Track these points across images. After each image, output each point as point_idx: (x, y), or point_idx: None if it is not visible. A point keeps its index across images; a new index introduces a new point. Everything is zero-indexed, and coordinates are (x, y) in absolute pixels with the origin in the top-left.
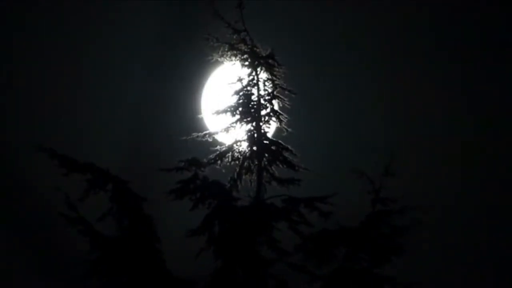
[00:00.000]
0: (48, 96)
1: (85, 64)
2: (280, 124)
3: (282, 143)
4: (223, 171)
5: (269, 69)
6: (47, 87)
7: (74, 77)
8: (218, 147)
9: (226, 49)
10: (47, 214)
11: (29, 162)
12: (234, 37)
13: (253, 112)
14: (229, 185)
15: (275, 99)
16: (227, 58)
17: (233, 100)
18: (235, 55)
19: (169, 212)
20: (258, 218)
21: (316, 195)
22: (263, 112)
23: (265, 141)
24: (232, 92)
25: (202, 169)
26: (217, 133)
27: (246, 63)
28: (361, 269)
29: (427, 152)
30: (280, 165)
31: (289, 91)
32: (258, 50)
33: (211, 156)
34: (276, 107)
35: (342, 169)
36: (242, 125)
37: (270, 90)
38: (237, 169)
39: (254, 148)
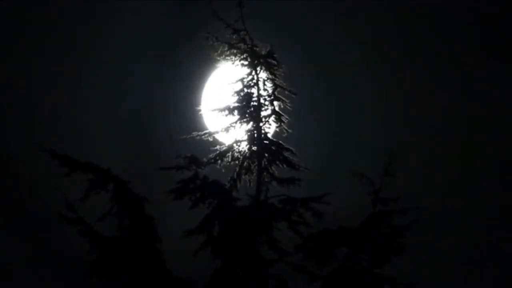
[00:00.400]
0: (48, 96)
1: (85, 64)
2: (281, 125)
3: (282, 143)
4: (223, 171)
5: (269, 68)
6: (47, 87)
7: (74, 77)
8: (218, 146)
9: (226, 49)
10: (47, 214)
11: (29, 162)
12: (234, 36)
13: (253, 112)
14: (229, 185)
15: (275, 99)
16: (227, 58)
17: (233, 100)
18: (235, 55)
19: (169, 212)
20: (258, 218)
21: (315, 195)
22: (263, 113)
23: (265, 141)
24: (232, 92)
25: (202, 168)
26: (217, 132)
27: (246, 62)
28: (361, 269)
29: (427, 152)
30: (280, 165)
31: (289, 91)
32: (257, 49)
33: (211, 155)
34: (276, 108)
35: (342, 169)
36: (242, 124)
37: (270, 91)
38: (237, 169)
39: (254, 148)
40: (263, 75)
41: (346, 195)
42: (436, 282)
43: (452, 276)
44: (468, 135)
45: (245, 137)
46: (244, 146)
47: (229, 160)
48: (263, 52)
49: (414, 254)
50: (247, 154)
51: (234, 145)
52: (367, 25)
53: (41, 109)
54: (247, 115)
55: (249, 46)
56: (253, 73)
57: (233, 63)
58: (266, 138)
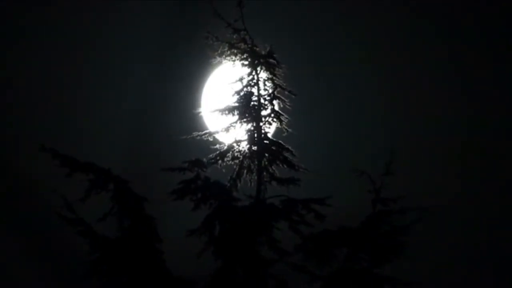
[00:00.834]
0: (48, 96)
1: (85, 64)
2: (281, 124)
3: (282, 143)
4: (224, 171)
5: (269, 68)
6: (47, 87)
7: (74, 77)
8: (218, 146)
9: (226, 48)
10: (47, 214)
11: (29, 162)
12: (234, 36)
13: (253, 111)
14: (229, 184)
15: (275, 99)
16: (227, 58)
17: (233, 99)
18: (235, 54)
19: (169, 212)
20: (258, 218)
21: (316, 195)
22: (263, 112)
23: (265, 141)
24: (232, 91)
25: (204, 170)
26: (217, 132)
27: (246, 62)
28: (361, 269)
29: (427, 152)
30: (280, 165)
31: (289, 91)
32: (257, 49)
33: (211, 155)
34: (276, 107)
35: (342, 169)
36: (242, 124)
37: (270, 90)
38: (237, 169)
39: (254, 147)
40: (263, 75)
41: (346, 195)
42: (436, 282)
43: (452, 276)
44: (468, 135)
45: (245, 137)
46: (244, 146)
47: (229, 160)
48: (263, 52)
49: (414, 254)
50: (247, 154)
51: (234, 145)
52: (367, 25)
53: (41, 109)
54: (247, 115)
55: (249, 46)
56: (253, 73)
57: (233, 63)
58: (266, 138)
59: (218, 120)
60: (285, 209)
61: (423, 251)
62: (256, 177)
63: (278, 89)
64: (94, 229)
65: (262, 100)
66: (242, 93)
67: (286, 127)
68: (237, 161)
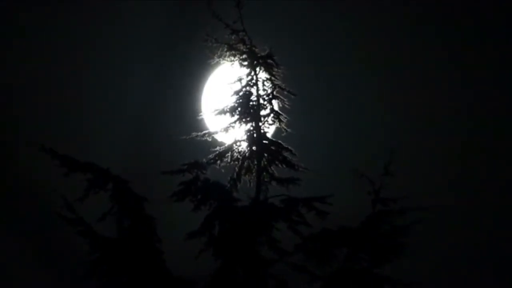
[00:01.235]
0: (48, 96)
1: (85, 64)
2: (280, 124)
3: (282, 143)
4: (223, 171)
5: (268, 69)
6: (47, 87)
7: (74, 77)
8: (218, 147)
9: (225, 50)
10: (47, 214)
11: (29, 162)
12: (233, 37)
13: (253, 112)
14: (228, 185)
15: (274, 99)
16: (226, 59)
17: (232, 100)
18: (234, 55)
19: (169, 212)
20: (258, 218)
21: (315, 195)
22: (262, 112)
23: (264, 141)
24: (232, 92)
25: (204, 172)
26: (216, 133)
27: (245, 63)
28: (361, 269)
29: (427, 152)
30: (280, 165)
31: (288, 91)
32: (257, 50)
33: (211, 156)
34: (275, 107)
35: (342, 169)
36: (241, 125)
37: (269, 90)
38: (237, 169)
39: (254, 148)
40: (262, 75)
41: (346, 195)
42: (436, 282)
43: (452, 276)
44: (468, 135)
45: (245, 137)
46: (243, 146)
47: (229, 160)
48: (262, 53)
49: (414, 254)
50: (247, 154)
51: (234, 145)
52: (367, 25)
53: (41, 109)
54: (246, 115)
55: (248, 46)
56: (252, 73)
57: (232, 64)
58: (266, 138)
59: (218, 120)
60: (286, 209)
61: (423, 251)
62: (255, 177)
63: (277, 89)
64: (94, 229)
65: (261, 100)
66: (241, 93)
67: (285, 127)
68: (236, 161)
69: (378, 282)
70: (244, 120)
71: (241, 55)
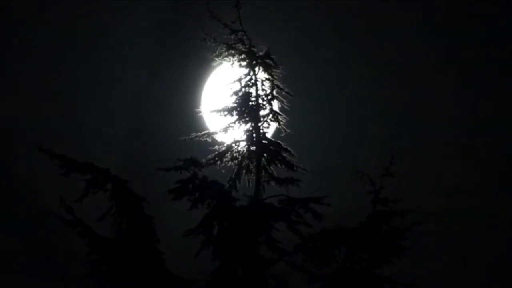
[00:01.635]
0: (48, 96)
1: (85, 65)
2: (279, 124)
3: (281, 143)
4: (223, 171)
5: (267, 69)
6: (47, 87)
7: (74, 78)
8: (217, 147)
9: (224, 49)
10: (47, 214)
11: (29, 162)
12: (232, 37)
13: (252, 112)
14: (228, 185)
15: (273, 99)
16: (225, 58)
17: (231, 100)
18: (233, 55)
19: (168, 212)
20: (257, 218)
21: (314, 195)
22: (261, 112)
23: (263, 141)
24: (231, 92)
25: (201, 169)
26: (216, 133)
27: (244, 63)
28: (361, 269)
29: (427, 152)
30: (279, 165)
31: (286, 92)
32: (255, 50)
33: (210, 156)
34: (275, 107)
35: (342, 169)
36: (240, 125)
37: (268, 90)
38: (236, 169)
39: (253, 148)
40: (261, 75)
41: (346, 196)
42: (436, 282)
43: (452, 276)
44: (468, 135)
45: (244, 137)
46: (243, 146)
47: (228, 160)
48: (261, 53)
49: (414, 254)
50: (246, 154)
51: (233, 145)
52: (367, 25)
53: (40, 109)
54: (245, 115)
55: (247, 46)
56: (251, 73)
57: (231, 64)
58: (265, 138)
59: (217, 120)
60: (284, 209)
61: (423, 251)
62: (254, 177)
63: (276, 89)
64: (93, 229)
65: (260, 100)
66: (240, 94)
67: (284, 127)
68: (236, 161)
69: (378, 282)
70: (243, 120)
71: (240, 55)
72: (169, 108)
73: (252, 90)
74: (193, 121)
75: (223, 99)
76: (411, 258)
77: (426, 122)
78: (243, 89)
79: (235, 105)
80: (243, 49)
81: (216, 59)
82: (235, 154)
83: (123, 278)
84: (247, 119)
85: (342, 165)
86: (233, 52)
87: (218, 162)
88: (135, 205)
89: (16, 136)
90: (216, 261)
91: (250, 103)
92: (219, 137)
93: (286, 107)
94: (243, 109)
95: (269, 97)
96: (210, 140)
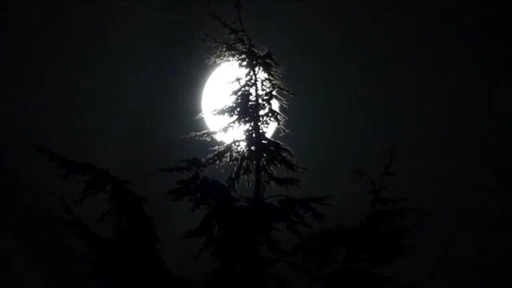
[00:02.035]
0: (48, 96)
1: (85, 65)
2: (279, 124)
3: (281, 143)
4: (222, 171)
5: (266, 69)
6: (47, 88)
7: (74, 78)
8: (217, 147)
9: (224, 49)
10: (46, 214)
11: (29, 162)
12: (232, 37)
13: (251, 112)
14: (227, 184)
15: (273, 99)
16: (225, 58)
17: (231, 100)
18: (233, 55)
19: (168, 212)
20: (257, 218)
21: (314, 195)
22: (261, 112)
23: (263, 141)
24: (231, 92)
25: (202, 169)
26: (215, 132)
27: (244, 63)
28: (361, 269)
29: (427, 152)
30: (279, 165)
31: (287, 91)
32: (255, 50)
33: (210, 155)
34: (275, 107)
35: (342, 169)
36: (240, 125)
37: (268, 90)
38: (235, 169)
39: (253, 148)
40: (261, 75)
41: (346, 195)
42: (436, 282)
43: (452, 276)
44: (468, 135)
45: (244, 137)
46: (242, 146)
47: (228, 160)
48: (261, 53)
49: (414, 254)
50: (246, 154)
51: (233, 145)
52: (367, 25)
53: (40, 109)
54: (245, 115)
55: (247, 46)
56: (251, 73)
57: (231, 64)
58: (265, 138)
59: (217, 120)
60: (284, 209)
61: (423, 251)
62: (254, 177)
63: (276, 89)
64: (93, 230)
65: (260, 100)
66: (240, 93)
67: (284, 127)
68: (235, 161)
69: (378, 282)
70: (243, 120)
71: (240, 55)
72: (169, 108)
73: (252, 90)
74: (193, 121)
75: (223, 99)
76: (411, 258)
77: (426, 122)
78: (242, 89)
79: (235, 105)
80: (243, 49)
81: (216, 59)
82: (234, 154)
83: (123, 278)
84: (247, 119)
85: (342, 165)
86: (233, 52)
87: (218, 162)
88: (135, 206)
89: (16, 136)
90: (216, 261)
91: (250, 103)
92: (218, 137)
93: (285, 106)
94: (243, 109)
95: (269, 96)
96: (209, 140)
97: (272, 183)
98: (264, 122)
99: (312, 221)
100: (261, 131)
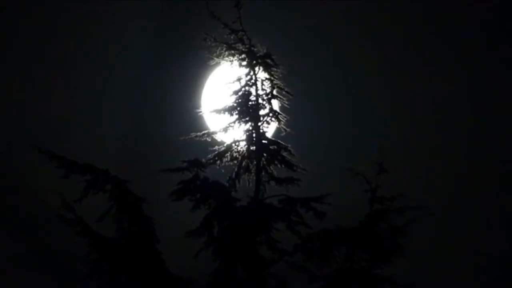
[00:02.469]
0: (47, 96)
1: (85, 65)
2: (279, 124)
3: (281, 142)
4: (222, 171)
5: (267, 68)
6: (46, 88)
7: (74, 78)
8: (217, 147)
9: (224, 49)
10: (47, 214)
11: (29, 162)
12: (232, 37)
13: (252, 111)
14: (227, 184)
15: (273, 99)
16: (225, 58)
17: (231, 100)
18: (233, 55)
19: (168, 212)
20: (257, 218)
21: (314, 195)
22: (261, 112)
23: (263, 141)
24: (231, 92)
25: (203, 170)
26: (215, 132)
27: (244, 63)
28: (361, 269)
29: (427, 152)
30: (279, 165)
31: (286, 91)
32: (255, 49)
33: (210, 156)
34: (275, 107)
35: (342, 168)
36: (240, 124)
37: (268, 90)
38: (236, 169)
39: (253, 147)
40: (261, 75)
41: (346, 195)
42: (436, 282)
43: (452, 276)
44: (468, 135)
45: (244, 137)
46: (242, 146)
47: (228, 160)
48: (261, 53)
49: (414, 254)
50: (246, 154)
51: (233, 145)
52: (367, 25)
53: (40, 109)
54: (245, 115)
55: (247, 46)
56: (251, 73)
57: (231, 64)
58: (265, 137)
59: (217, 120)
60: (284, 209)
61: (423, 251)
62: (254, 177)
63: (276, 89)
64: (94, 229)
65: (260, 100)
66: (240, 93)
67: (284, 127)
68: (235, 161)
69: (378, 282)
70: (243, 119)
71: (240, 54)
72: (169, 108)
73: (252, 89)
74: (193, 121)
75: (223, 99)
76: (411, 258)
77: (426, 122)
78: (243, 89)
79: (235, 104)
80: (243, 49)
81: (216, 59)
82: (235, 154)
83: (123, 278)
84: (247, 118)
85: (342, 165)
86: (233, 52)
87: (218, 162)
88: (135, 206)
89: (16, 136)
90: (216, 261)
91: (250, 103)
92: (219, 137)
93: (286, 105)
94: (243, 108)
95: (269, 96)
96: (210, 140)
97: (272, 183)
98: (265, 122)
99: (312, 221)
100: (261, 131)
